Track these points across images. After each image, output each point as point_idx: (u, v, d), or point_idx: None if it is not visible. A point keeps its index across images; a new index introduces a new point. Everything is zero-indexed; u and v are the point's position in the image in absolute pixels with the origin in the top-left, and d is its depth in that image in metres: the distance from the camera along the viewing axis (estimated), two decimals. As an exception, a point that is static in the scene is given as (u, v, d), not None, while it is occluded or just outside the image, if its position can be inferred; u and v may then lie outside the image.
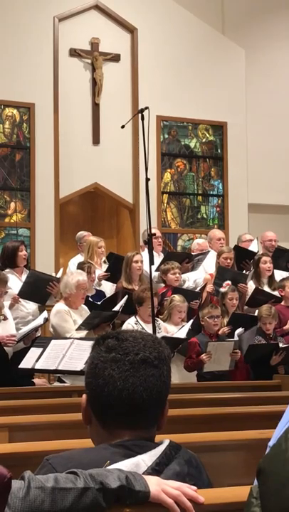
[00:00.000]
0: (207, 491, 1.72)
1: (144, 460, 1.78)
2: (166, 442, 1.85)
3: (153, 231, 9.10)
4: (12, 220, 11.39)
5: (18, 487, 1.57)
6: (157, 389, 1.88)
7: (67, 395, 5.23)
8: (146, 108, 6.90)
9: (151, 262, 6.66)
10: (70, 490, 1.58)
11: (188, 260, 9.02)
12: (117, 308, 7.23)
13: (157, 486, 1.64)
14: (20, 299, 7.56)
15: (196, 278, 8.78)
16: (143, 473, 1.72)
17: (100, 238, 8.97)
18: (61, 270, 8.33)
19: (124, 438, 1.84)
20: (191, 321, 7.51)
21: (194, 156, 12.74)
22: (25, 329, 7.06)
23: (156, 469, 1.77)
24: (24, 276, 7.78)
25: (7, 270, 7.79)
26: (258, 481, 1.56)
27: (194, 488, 1.69)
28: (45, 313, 7.24)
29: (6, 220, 11.43)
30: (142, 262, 8.10)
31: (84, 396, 1.92)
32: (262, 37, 13.25)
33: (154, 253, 8.81)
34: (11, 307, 7.40)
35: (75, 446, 2.09)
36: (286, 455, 1.48)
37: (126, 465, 1.73)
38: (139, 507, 1.62)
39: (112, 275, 8.32)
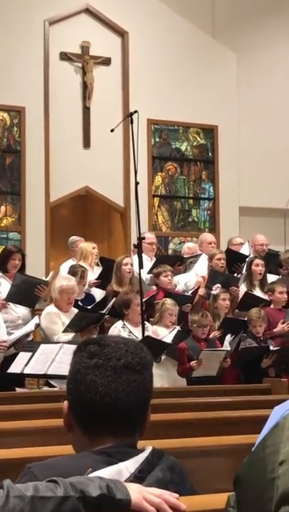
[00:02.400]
0: (189, 498, 1.70)
1: (127, 467, 1.76)
2: (149, 449, 1.84)
3: (148, 236, 9.15)
4: (2, 224, 11.36)
5: None
6: (139, 394, 1.87)
7: (56, 399, 5.19)
8: (136, 112, 6.91)
9: (141, 266, 6.64)
10: (50, 498, 1.56)
11: (181, 263, 9.02)
12: (104, 310, 7.22)
13: (139, 493, 1.62)
14: (8, 303, 7.51)
15: (187, 281, 8.78)
16: (125, 481, 1.70)
17: (91, 242, 8.98)
18: (51, 274, 8.30)
19: (106, 445, 1.82)
20: (177, 329, 7.49)
21: (185, 160, 12.74)
22: (16, 335, 7.02)
23: (139, 476, 1.75)
24: (16, 282, 7.74)
25: (-1, 274, 7.76)
26: (235, 489, 1.55)
27: (176, 495, 1.67)
28: (36, 319, 7.21)
29: (-4, 223, 11.40)
30: (132, 265, 8.09)
31: (65, 402, 1.90)
32: (253, 40, 13.26)
33: (146, 257, 8.84)
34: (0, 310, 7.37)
35: (63, 453, 2.07)
36: (263, 462, 1.47)
37: (108, 472, 1.71)
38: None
39: (103, 282, 8.29)
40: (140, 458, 1.79)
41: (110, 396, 1.82)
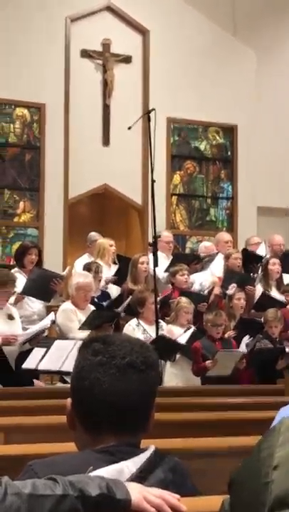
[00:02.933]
0: (190, 500, 1.70)
1: (128, 466, 1.75)
2: (152, 449, 1.83)
3: (165, 234, 9.15)
4: (21, 220, 11.40)
5: None
6: (143, 394, 1.86)
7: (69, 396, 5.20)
8: (153, 110, 6.90)
9: (156, 264, 6.65)
10: (48, 497, 1.55)
11: (197, 262, 9.01)
12: (119, 309, 7.24)
13: (139, 493, 1.61)
14: (24, 298, 7.55)
15: (202, 280, 8.77)
16: (126, 480, 1.69)
17: (110, 238, 8.99)
18: (67, 268, 8.34)
19: (108, 443, 1.82)
20: (192, 329, 7.47)
21: (204, 159, 12.71)
22: (31, 330, 7.05)
23: (140, 476, 1.74)
24: (32, 277, 7.78)
25: (15, 269, 7.80)
26: (230, 493, 1.54)
27: (177, 496, 1.66)
28: (52, 315, 7.24)
29: (15, 219, 11.45)
30: (148, 263, 8.09)
31: (69, 400, 1.90)
32: (273, 39, 13.19)
33: (163, 255, 8.85)
34: (16, 302, 7.41)
35: (73, 450, 2.07)
36: (258, 466, 1.47)
37: (109, 471, 1.70)
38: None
39: (120, 278, 8.31)
40: (142, 458, 1.78)
41: (113, 394, 1.81)
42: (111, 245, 8.81)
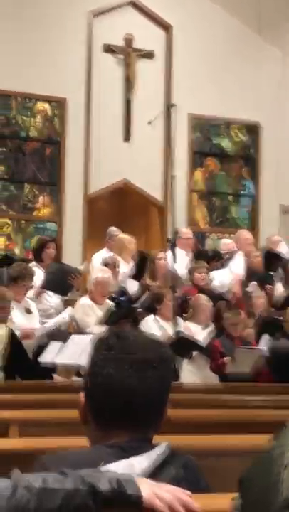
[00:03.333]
0: (201, 497, 1.66)
1: (139, 462, 1.73)
2: (164, 445, 1.80)
3: (184, 231, 9.11)
4: (40, 214, 11.41)
5: (4, 486, 1.52)
6: (156, 390, 1.84)
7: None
8: (174, 105, 6.85)
9: (174, 261, 6.61)
10: (58, 491, 1.53)
11: (218, 259, 8.97)
12: (136, 305, 7.21)
13: (150, 490, 1.58)
14: (45, 291, 7.56)
15: (222, 278, 8.72)
16: (137, 476, 1.66)
17: (131, 236, 8.95)
18: (85, 263, 8.32)
19: (120, 439, 1.80)
20: (211, 327, 7.42)
21: (226, 156, 12.65)
22: (49, 324, 7.06)
23: (151, 472, 1.71)
24: (50, 271, 7.78)
25: (33, 263, 7.81)
26: (240, 491, 1.50)
27: (189, 493, 1.62)
28: (69, 310, 7.25)
29: (34, 213, 11.45)
30: (165, 259, 8.06)
31: (82, 394, 1.87)
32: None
33: (183, 252, 8.80)
34: (37, 296, 7.41)
35: (86, 444, 2.04)
36: (269, 465, 1.43)
37: (119, 467, 1.68)
38: (131, 510, 1.56)
39: (137, 273, 8.28)
40: (154, 454, 1.76)
41: (126, 391, 1.80)
42: (131, 242, 8.76)
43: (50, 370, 6.57)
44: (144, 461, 1.73)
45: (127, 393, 1.79)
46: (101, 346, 1.85)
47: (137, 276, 8.31)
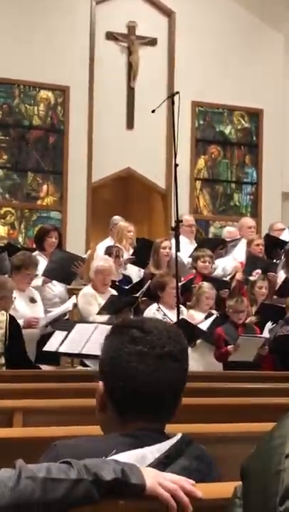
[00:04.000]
0: (204, 485, 1.67)
1: (152, 452, 1.74)
2: (178, 436, 1.82)
3: (186, 218, 9.10)
4: (44, 203, 11.41)
5: (8, 476, 1.53)
6: (178, 382, 1.88)
7: (89, 379, 5.19)
8: (178, 93, 6.83)
9: (178, 249, 6.61)
10: (62, 481, 1.54)
11: (222, 247, 8.97)
12: (138, 293, 7.22)
13: (154, 479, 1.60)
14: (51, 280, 7.58)
15: (225, 265, 8.73)
16: (148, 466, 1.68)
17: (130, 223, 8.96)
18: (89, 251, 8.33)
19: (135, 428, 1.82)
20: (214, 316, 7.43)
21: (229, 143, 12.63)
22: (54, 313, 7.07)
23: (164, 462, 1.73)
24: (53, 260, 7.79)
25: (36, 252, 7.81)
26: (242, 481, 1.52)
27: (192, 482, 1.64)
28: (73, 298, 7.25)
29: (38, 202, 11.45)
30: (170, 248, 8.06)
31: (100, 383, 1.88)
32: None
33: (186, 240, 8.81)
34: (43, 284, 7.43)
35: (90, 433, 2.06)
36: (270, 454, 1.44)
37: (131, 456, 1.70)
38: (135, 499, 1.58)
39: (138, 259, 8.29)
40: (167, 444, 1.78)
41: (150, 383, 1.82)
42: (130, 231, 8.78)
43: (52, 359, 6.58)
44: (157, 451, 1.74)
45: (151, 386, 1.82)
46: (125, 338, 1.86)
47: (139, 263, 8.33)
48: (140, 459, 1.70)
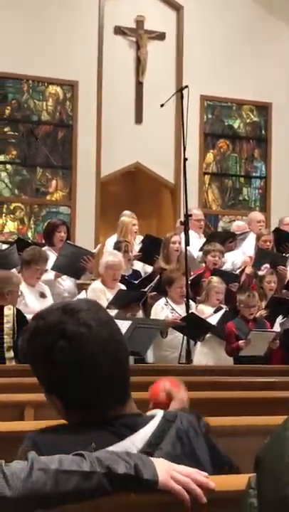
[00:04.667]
0: (218, 477, 1.68)
1: (134, 443, 1.71)
2: (159, 417, 1.77)
3: (195, 212, 9.09)
4: (53, 198, 11.42)
5: (21, 468, 1.54)
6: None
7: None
8: (186, 87, 6.83)
9: (187, 243, 6.61)
10: (75, 473, 1.54)
11: (232, 240, 8.96)
12: (146, 288, 7.22)
13: (166, 473, 1.59)
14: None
15: (234, 259, 8.72)
16: (155, 457, 1.66)
17: (134, 217, 8.92)
18: (98, 246, 8.33)
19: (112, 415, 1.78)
20: (223, 310, 7.43)
21: (238, 137, 12.61)
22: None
23: (147, 452, 1.69)
24: (62, 254, 7.79)
25: (46, 248, 7.82)
26: (256, 471, 1.52)
27: (205, 474, 1.64)
28: (83, 294, 7.26)
29: (47, 197, 11.47)
30: (179, 243, 8.05)
31: (55, 399, 1.81)
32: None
33: (195, 234, 8.80)
34: (55, 278, 7.44)
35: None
36: (283, 445, 1.45)
37: (116, 450, 1.66)
38: (146, 492, 1.59)
39: (145, 256, 8.29)
40: (148, 430, 1.74)
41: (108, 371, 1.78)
42: (134, 224, 8.77)
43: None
44: (140, 441, 1.71)
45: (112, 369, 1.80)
46: (48, 346, 1.79)
47: (146, 260, 8.32)
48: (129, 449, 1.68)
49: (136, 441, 1.73)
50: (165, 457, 1.68)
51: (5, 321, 5.85)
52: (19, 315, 5.99)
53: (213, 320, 7.28)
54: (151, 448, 1.71)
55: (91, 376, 1.76)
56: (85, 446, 1.65)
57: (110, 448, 1.67)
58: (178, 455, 1.73)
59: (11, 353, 6.00)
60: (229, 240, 8.92)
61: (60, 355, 1.74)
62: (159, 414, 1.80)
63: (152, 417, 1.80)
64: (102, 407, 1.77)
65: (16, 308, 6.05)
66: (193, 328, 6.98)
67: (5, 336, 5.82)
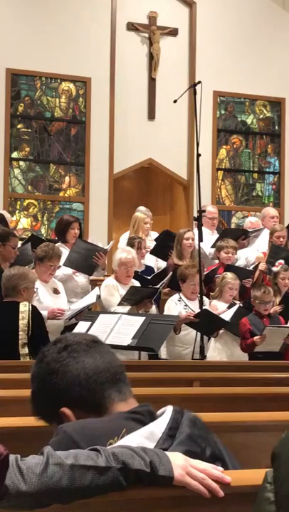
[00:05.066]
0: (234, 472, 1.68)
1: (158, 426, 1.74)
2: (171, 408, 1.82)
3: (209, 209, 9.08)
4: (66, 195, 11.43)
5: (36, 462, 1.54)
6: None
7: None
8: (199, 82, 6.82)
9: (200, 239, 6.59)
10: (90, 468, 1.55)
11: (245, 237, 8.95)
12: (158, 285, 7.22)
13: (182, 469, 1.59)
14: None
15: (248, 255, 8.70)
16: (159, 440, 1.68)
17: (147, 214, 8.93)
18: (111, 242, 8.32)
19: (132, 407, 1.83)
20: (237, 306, 7.42)
21: (251, 133, 12.58)
22: (78, 305, 7.08)
23: (170, 435, 1.72)
24: (75, 251, 7.80)
25: (58, 244, 7.83)
26: (273, 466, 1.52)
27: (220, 469, 1.64)
28: (96, 290, 7.26)
29: (61, 194, 11.48)
30: (192, 239, 8.05)
31: (65, 410, 1.85)
32: None
33: (208, 231, 8.79)
34: (74, 273, 7.48)
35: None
36: None
37: (142, 433, 1.69)
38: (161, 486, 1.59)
39: (158, 250, 8.29)
40: (166, 417, 1.77)
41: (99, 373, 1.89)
42: (146, 222, 8.76)
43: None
44: (161, 425, 1.74)
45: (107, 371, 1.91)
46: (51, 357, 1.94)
47: (160, 253, 8.33)
48: (150, 435, 1.70)
49: (160, 424, 1.74)
50: (186, 439, 1.70)
51: (20, 317, 5.85)
52: (34, 312, 6.00)
53: (227, 316, 7.27)
54: (172, 431, 1.73)
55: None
56: (117, 433, 1.68)
57: (137, 432, 1.69)
58: (197, 436, 1.75)
59: (26, 350, 6.01)
60: (241, 237, 8.90)
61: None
62: (169, 407, 1.83)
63: (164, 410, 1.83)
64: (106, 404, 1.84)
65: (32, 305, 6.06)
66: (206, 324, 6.97)
67: (20, 333, 5.83)
